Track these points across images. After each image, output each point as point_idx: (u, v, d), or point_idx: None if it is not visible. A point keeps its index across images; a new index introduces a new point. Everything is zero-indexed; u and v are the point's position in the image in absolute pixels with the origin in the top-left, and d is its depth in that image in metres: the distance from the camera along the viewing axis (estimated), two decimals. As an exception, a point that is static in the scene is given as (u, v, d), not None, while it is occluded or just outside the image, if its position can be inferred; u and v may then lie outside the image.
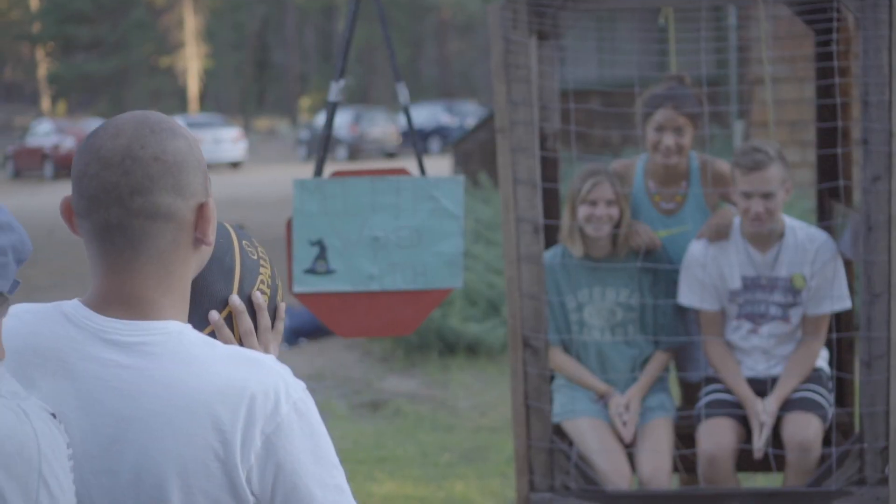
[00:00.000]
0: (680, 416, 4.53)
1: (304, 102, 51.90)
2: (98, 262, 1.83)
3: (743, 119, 11.96)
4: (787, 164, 4.29)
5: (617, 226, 4.42)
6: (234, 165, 33.81)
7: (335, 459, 1.85)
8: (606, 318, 4.48)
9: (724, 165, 4.58)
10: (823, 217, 4.77)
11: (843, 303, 4.38)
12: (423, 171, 4.34)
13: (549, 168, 4.41)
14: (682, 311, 4.57)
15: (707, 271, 4.41)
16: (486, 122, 15.89)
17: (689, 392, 4.80)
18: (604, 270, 4.46)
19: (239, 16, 50.86)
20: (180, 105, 49.37)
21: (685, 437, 4.47)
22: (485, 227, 10.64)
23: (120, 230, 1.79)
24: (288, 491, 1.79)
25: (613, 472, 4.23)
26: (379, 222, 4.17)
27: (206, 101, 52.61)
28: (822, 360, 4.55)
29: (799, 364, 4.40)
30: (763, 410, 4.30)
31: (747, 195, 4.24)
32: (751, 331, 4.46)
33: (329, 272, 4.19)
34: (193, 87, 49.27)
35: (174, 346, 1.80)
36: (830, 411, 4.34)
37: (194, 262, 1.88)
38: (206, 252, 1.91)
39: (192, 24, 49.01)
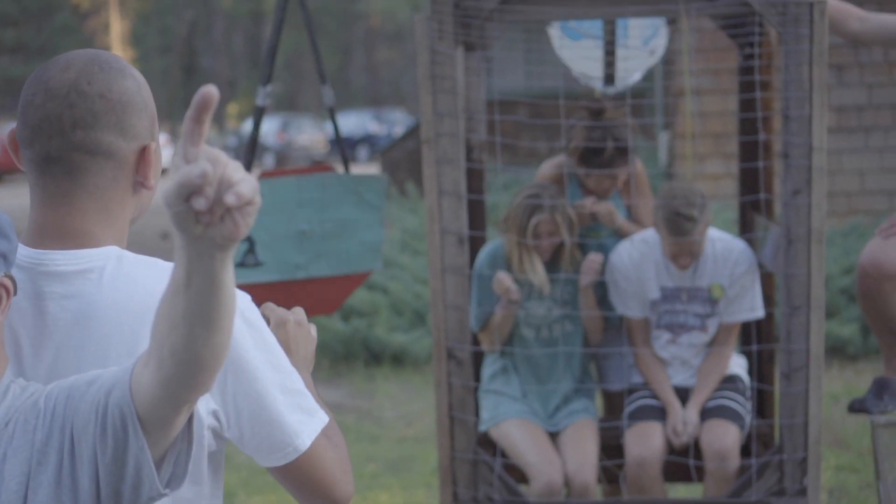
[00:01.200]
0: (603, 428, 4.55)
1: (232, 109, 51.56)
2: (36, 194, 1.82)
3: (668, 130, 12.07)
4: (709, 207, 4.33)
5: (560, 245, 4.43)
6: (161, 171, 33.49)
7: (290, 365, 1.85)
8: (537, 328, 4.50)
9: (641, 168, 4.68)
10: (745, 229, 4.82)
11: (757, 313, 4.45)
12: (347, 168, 4.51)
13: (475, 179, 4.41)
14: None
15: (629, 280, 4.46)
16: (415, 131, 15.89)
17: (612, 402, 4.83)
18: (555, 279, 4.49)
19: (166, 20, 50.44)
20: (106, 110, 48.77)
21: (609, 447, 4.49)
22: (411, 237, 10.63)
23: (59, 162, 1.78)
24: (253, 400, 1.78)
25: (545, 463, 4.25)
26: (305, 216, 4.45)
27: (132, 106, 52.02)
28: (740, 367, 4.61)
29: (711, 371, 4.46)
30: (681, 420, 4.35)
31: (675, 254, 4.35)
32: (669, 341, 4.51)
33: (258, 265, 4.43)
34: (119, 91, 48.71)
35: (114, 269, 1.78)
36: (748, 418, 4.40)
37: (133, 204, 1.86)
38: (147, 196, 1.88)
39: (118, 28, 48.50)
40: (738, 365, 4.61)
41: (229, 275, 1.44)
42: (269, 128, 33.29)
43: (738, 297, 4.42)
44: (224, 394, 1.78)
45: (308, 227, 4.47)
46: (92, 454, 1.57)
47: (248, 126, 33.51)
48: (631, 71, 5.18)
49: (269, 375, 1.80)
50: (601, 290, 4.54)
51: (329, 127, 33.49)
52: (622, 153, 4.48)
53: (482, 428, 4.39)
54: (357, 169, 26.47)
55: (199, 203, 1.34)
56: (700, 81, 9.84)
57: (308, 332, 2.06)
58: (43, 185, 1.81)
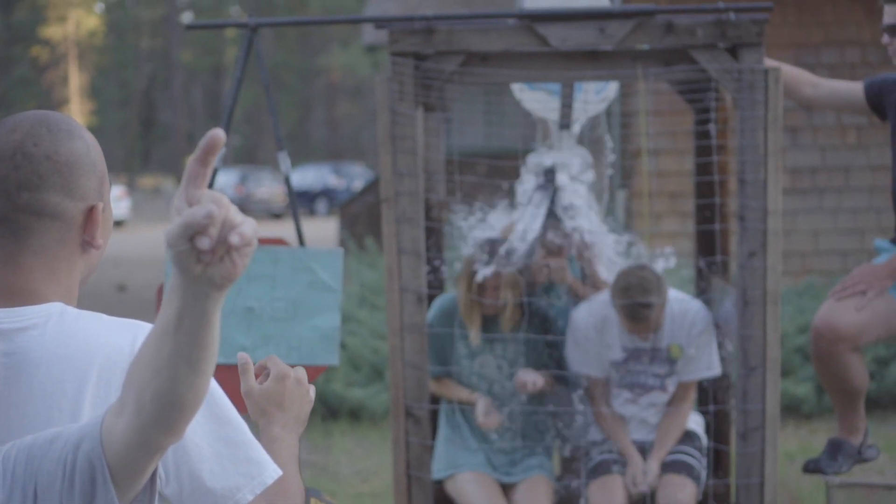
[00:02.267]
0: (561, 487, 4.56)
1: (191, 161, 51.45)
2: None
3: (625, 190, 12.18)
4: (665, 284, 4.38)
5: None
6: (118, 224, 33.36)
7: (231, 415, 1.82)
8: (490, 382, 4.53)
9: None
10: (701, 289, 4.87)
11: (714, 371, 4.50)
12: (301, 241, 4.28)
13: (434, 238, 4.44)
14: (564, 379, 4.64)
15: (590, 341, 4.49)
16: (374, 185, 15.94)
17: (568, 463, 4.84)
18: (490, 329, 4.53)
19: (125, 74, 50.39)
20: (63, 161, 48.56)
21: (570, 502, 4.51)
22: (370, 292, 10.62)
23: (5, 223, 1.80)
24: (176, 448, 1.76)
25: None
26: (254, 292, 4.00)
27: (90, 158, 51.82)
28: (697, 424, 4.65)
29: (671, 428, 4.51)
30: (641, 470, 4.38)
31: (631, 332, 4.40)
32: (629, 400, 4.55)
33: None
34: (77, 143, 48.52)
35: (56, 325, 1.78)
36: (704, 474, 4.43)
37: (82, 264, 1.87)
38: (96, 256, 1.89)
39: (76, 81, 48.42)
40: (695, 422, 4.65)
41: (218, 316, 1.47)
42: (228, 181, 33.24)
43: (695, 356, 4.46)
44: None
45: (257, 304, 4.00)
46: None
47: (206, 179, 33.49)
48: (587, 115, 5.29)
49: (201, 427, 1.78)
50: (556, 351, 4.58)
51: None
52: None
53: (436, 476, 4.39)
54: (316, 223, 26.39)
55: (203, 243, 1.37)
56: (657, 142, 9.96)
57: (307, 392, 2.07)
58: None
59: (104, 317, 1.82)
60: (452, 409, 4.56)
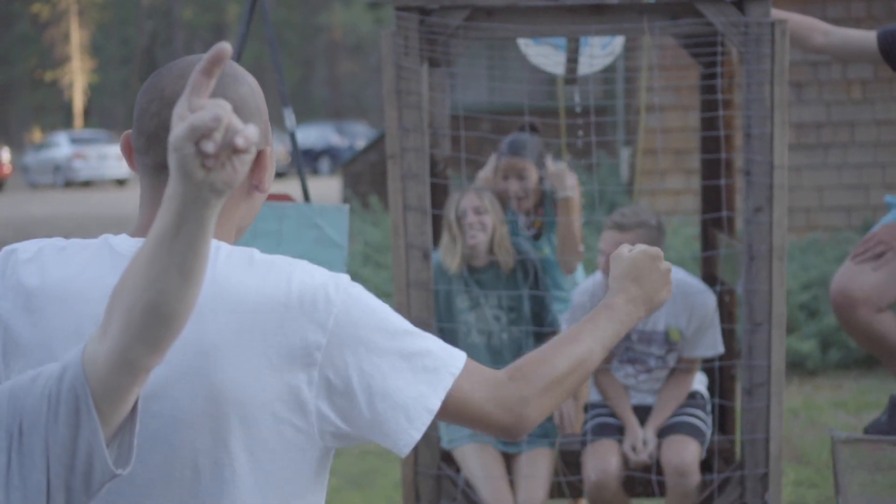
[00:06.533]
0: (563, 442, 4.57)
1: (193, 120, 51.34)
2: (149, 197, 1.84)
3: (629, 147, 12.14)
4: (657, 234, 4.32)
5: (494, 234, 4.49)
6: (120, 182, 33.31)
7: (406, 325, 1.83)
8: (488, 335, 4.53)
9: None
10: (707, 245, 4.86)
11: (717, 349, 4.47)
12: (307, 197, 4.29)
13: (439, 194, 4.42)
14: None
15: (589, 309, 4.46)
16: (377, 144, 15.90)
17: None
18: (485, 281, 4.51)
19: (127, 31, 50.19)
20: (65, 120, 48.48)
21: (572, 464, 4.51)
22: (374, 250, 10.62)
23: None
24: (367, 377, 1.77)
25: (494, 499, 4.27)
26: (260, 248, 4.04)
27: (92, 116, 51.74)
28: (700, 383, 4.64)
29: (672, 395, 4.49)
30: (640, 439, 4.38)
31: (602, 252, 4.34)
32: (630, 375, 4.55)
33: None
34: (79, 102, 48.43)
35: (212, 260, 1.77)
36: (708, 433, 4.43)
37: (244, 208, 1.88)
38: (259, 199, 1.90)
39: (77, 38, 48.21)
40: (698, 381, 4.64)
41: (213, 227, 1.48)
42: (230, 140, 33.15)
43: (697, 337, 4.44)
44: (337, 373, 1.77)
45: None
46: (43, 447, 1.57)
47: (208, 138, 33.42)
48: (594, 67, 5.28)
49: (385, 345, 1.79)
50: (541, 306, 4.57)
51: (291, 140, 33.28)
52: (533, 146, 4.72)
53: (443, 445, 4.40)
54: (319, 182, 26.26)
55: (208, 146, 1.38)
56: (661, 98, 9.91)
57: (668, 282, 2.03)
58: (156, 190, 1.82)
59: (256, 253, 1.82)
60: None
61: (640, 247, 2.04)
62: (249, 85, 1.84)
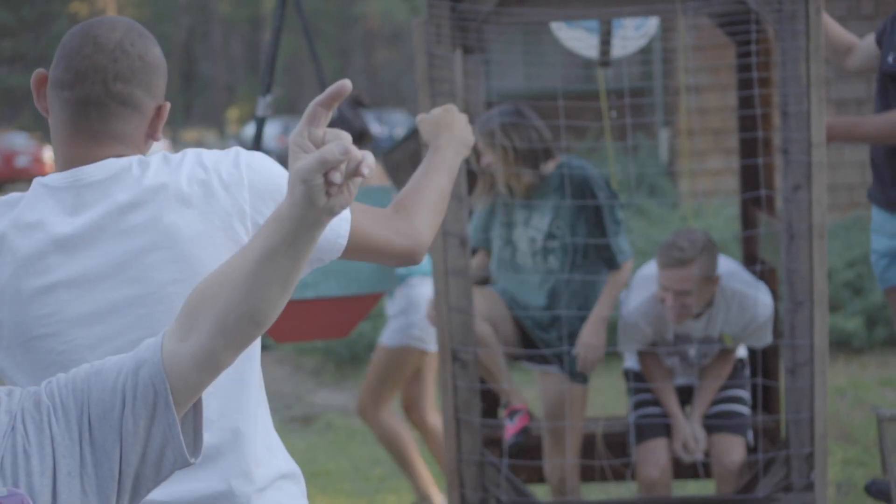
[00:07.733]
0: (608, 424, 4.57)
1: (232, 114, 51.56)
2: (65, 131, 2.11)
3: (668, 128, 12.08)
4: (714, 253, 4.24)
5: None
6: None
7: None
8: (529, 244, 4.49)
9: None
10: (747, 225, 4.83)
11: (766, 342, 4.44)
12: None
13: (475, 182, 4.42)
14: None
15: (645, 336, 4.42)
16: (416, 132, 15.87)
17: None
18: (530, 204, 4.50)
19: (164, 27, 50.44)
20: (106, 118, 48.77)
21: (615, 445, 4.51)
22: (414, 238, 10.62)
23: (97, 106, 2.09)
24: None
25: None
26: None
27: (132, 113, 52.01)
28: (741, 347, 4.62)
29: (716, 374, 4.49)
30: (691, 437, 4.40)
31: (664, 288, 4.26)
32: (678, 364, 4.54)
33: None
34: (119, 99, 48.69)
35: (139, 165, 2.09)
36: (748, 411, 4.44)
37: (143, 152, 2.17)
38: (150, 147, 2.20)
39: (116, 35, 48.51)
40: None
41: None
42: (270, 132, 33.23)
43: (751, 338, 4.42)
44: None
45: None
46: (116, 438, 1.66)
47: (248, 131, 33.51)
48: (627, 50, 5.24)
49: None
50: (593, 215, 4.47)
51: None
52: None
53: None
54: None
55: (336, 177, 1.52)
56: (698, 78, 9.85)
57: (467, 123, 2.66)
58: (74, 124, 2.10)
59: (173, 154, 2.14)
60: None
61: (437, 109, 2.64)
62: (159, 48, 2.14)
